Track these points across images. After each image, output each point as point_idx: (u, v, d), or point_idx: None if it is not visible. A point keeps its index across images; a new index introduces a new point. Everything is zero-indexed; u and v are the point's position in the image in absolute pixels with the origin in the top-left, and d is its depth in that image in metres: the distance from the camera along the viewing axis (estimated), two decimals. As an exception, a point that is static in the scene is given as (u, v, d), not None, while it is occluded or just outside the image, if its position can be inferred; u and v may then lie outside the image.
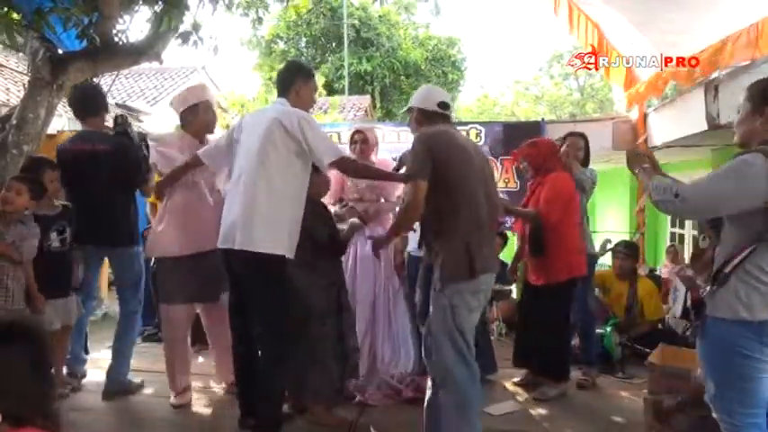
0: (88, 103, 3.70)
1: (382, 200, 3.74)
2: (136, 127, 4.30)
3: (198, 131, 3.43)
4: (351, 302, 3.49)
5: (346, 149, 3.74)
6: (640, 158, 2.29)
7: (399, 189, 3.71)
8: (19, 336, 1.28)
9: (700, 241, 3.92)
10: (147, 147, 3.59)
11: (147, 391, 3.72)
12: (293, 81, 2.96)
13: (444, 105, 2.70)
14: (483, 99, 29.27)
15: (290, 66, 3.26)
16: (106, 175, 3.45)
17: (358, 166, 3.13)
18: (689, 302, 3.87)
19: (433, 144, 2.49)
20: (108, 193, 3.48)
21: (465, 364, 2.46)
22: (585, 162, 4.01)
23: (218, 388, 3.76)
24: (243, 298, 2.91)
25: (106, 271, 8.87)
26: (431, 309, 2.55)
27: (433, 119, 2.64)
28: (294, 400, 3.22)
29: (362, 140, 3.67)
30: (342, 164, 2.86)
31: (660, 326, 4.82)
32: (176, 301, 3.35)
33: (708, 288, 2.07)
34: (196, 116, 3.40)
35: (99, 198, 3.46)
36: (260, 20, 5.09)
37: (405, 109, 2.86)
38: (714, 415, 2.09)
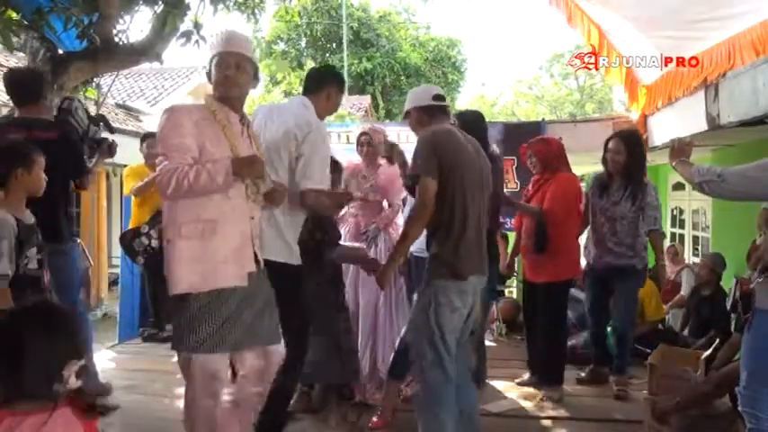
0: (27, 88, 3.25)
1: (385, 202, 3.75)
2: (135, 126, 4.24)
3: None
4: (353, 304, 3.50)
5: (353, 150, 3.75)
6: (684, 150, 2.45)
7: (402, 193, 3.72)
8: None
9: (757, 237, 3.93)
10: (109, 127, 3.42)
11: (148, 390, 3.72)
12: (329, 84, 2.83)
13: (439, 97, 2.69)
14: (480, 99, 29.29)
15: (328, 68, 3.18)
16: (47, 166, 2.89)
17: (318, 202, 2.67)
18: (737, 295, 3.89)
19: (437, 143, 2.48)
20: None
21: (440, 365, 2.45)
22: (633, 167, 3.64)
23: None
24: None
25: (106, 271, 8.92)
26: (416, 302, 2.56)
27: (433, 113, 2.63)
28: (301, 399, 3.23)
29: (368, 142, 3.69)
30: (309, 197, 2.58)
31: (660, 326, 4.83)
32: None
33: (757, 280, 2.17)
34: None
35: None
36: (255, 17, 5.07)
37: (404, 115, 2.81)
38: (740, 408, 2.13)
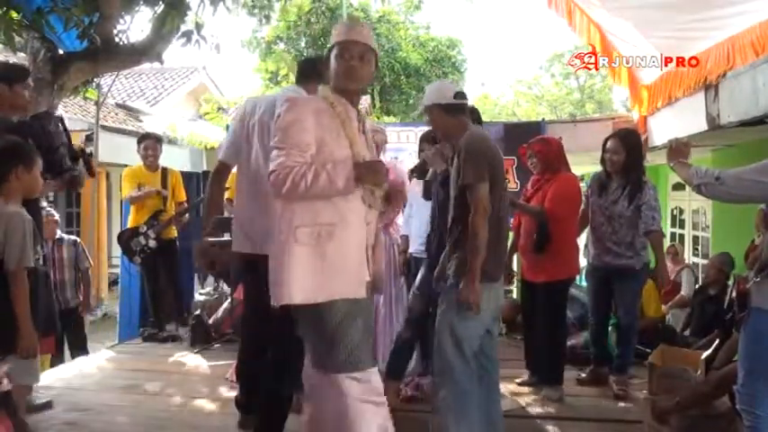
0: None
1: None
2: (135, 126, 4.23)
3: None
4: None
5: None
6: (682, 151, 2.46)
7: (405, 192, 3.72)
8: None
9: (755, 237, 3.92)
10: (88, 166, 3.21)
11: (149, 390, 3.72)
12: (324, 73, 2.84)
13: (460, 95, 2.63)
14: (484, 99, 29.28)
15: (322, 57, 3.16)
16: None
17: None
18: (734, 294, 3.90)
19: (486, 149, 2.50)
20: None
21: (464, 362, 2.46)
22: (631, 167, 3.64)
23: (222, 388, 3.76)
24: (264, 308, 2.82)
25: (106, 271, 8.91)
26: (440, 303, 2.56)
27: (453, 112, 2.59)
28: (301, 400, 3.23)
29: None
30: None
31: (660, 326, 4.83)
32: None
33: (754, 279, 2.17)
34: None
35: None
36: (267, 18, 5.10)
37: (419, 111, 2.72)
38: (737, 406, 2.15)
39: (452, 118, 2.57)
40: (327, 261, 1.98)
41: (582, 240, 4.07)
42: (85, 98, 6.14)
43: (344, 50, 2.09)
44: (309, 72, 2.80)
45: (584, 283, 4.66)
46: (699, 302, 4.95)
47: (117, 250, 5.56)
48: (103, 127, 6.09)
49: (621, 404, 3.56)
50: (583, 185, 4.10)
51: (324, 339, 2.00)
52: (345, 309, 1.99)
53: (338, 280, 1.99)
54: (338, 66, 2.09)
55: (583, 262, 4.09)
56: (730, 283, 4.71)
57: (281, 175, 1.94)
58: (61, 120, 3.18)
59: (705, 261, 7.21)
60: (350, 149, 2.04)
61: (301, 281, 1.96)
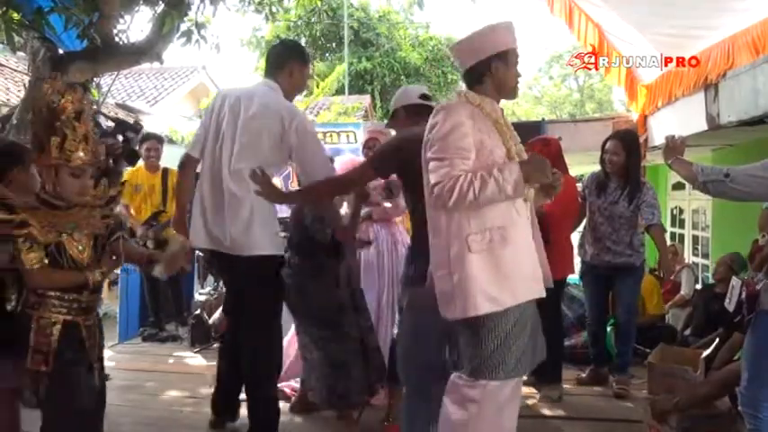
0: None
1: (388, 204, 3.74)
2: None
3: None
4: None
5: (359, 150, 3.72)
6: (678, 149, 2.41)
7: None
8: None
9: (759, 239, 3.93)
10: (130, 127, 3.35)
11: (148, 390, 3.72)
12: (288, 60, 2.75)
13: (425, 97, 2.64)
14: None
15: (287, 44, 3.03)
16: None
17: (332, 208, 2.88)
18: (743, 296, 3.91)
19: (399, 144, 2.47)
20: None
21: None
22: (631, 167, 3.67)
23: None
24: (238, 304, 2.81)
25: (106, 271, 8.91)
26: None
27: (418, 112, 2.55)
28: (301, 399, 3.24)
29: (375, 147, 3.65)
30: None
31: (660, 324, 4.83)
32: None
33: (763, 282, 2.15)
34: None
35: None
36: (273, 15, 5.08)
37: (389, 119, 2.77)
38: (740, 408, 2.14)
39: (418, 117, 2.50)
40: (505, 265, 1.93)
41: (575, 239, 4.06)
42: (85, 98, 6.12)
43: (517, 59, 2.04)
44: (282, 63, 2.74)
45: (578, 282, 4.65)
46: (703, 300, 4.92)
47: (117, 250, 5.56)
48: (103, 127, 6.07)
49: (621, 404, 3.56)
50: (579, 185, 4.09)
51: (497, 345, 1.93)
52: (518, 313, 1.96)
53: (519, 282, 1.96)
54: (511, 78, 2.04)
55: (576, 261, 4.08)
56: (733, 284, 4.71)
57: (448, 185, 1.86)
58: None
59: (705, 261, 7.22)
60: (503, 147, 2.00)
61: (485, 289, 1.91)
